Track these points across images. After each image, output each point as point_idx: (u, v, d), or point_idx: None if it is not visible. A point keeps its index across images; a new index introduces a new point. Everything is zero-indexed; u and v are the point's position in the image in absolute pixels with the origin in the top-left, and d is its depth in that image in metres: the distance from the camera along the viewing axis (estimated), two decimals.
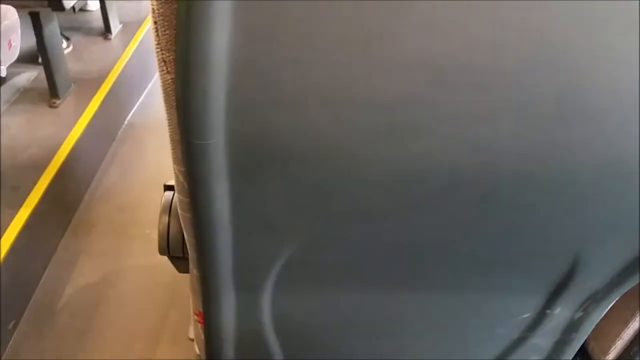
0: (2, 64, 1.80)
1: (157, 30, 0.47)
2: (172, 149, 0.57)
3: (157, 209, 2.19)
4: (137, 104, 2.91)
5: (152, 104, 2.92)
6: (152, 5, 0.46)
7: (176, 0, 0.44)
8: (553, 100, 0.50)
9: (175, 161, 0.58)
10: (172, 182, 0.85)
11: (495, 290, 0.76)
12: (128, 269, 2.03)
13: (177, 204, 0.64)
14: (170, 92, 0.50)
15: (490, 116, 0.51)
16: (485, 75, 0.48)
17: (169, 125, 0.55)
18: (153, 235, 2.13)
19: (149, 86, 3.04)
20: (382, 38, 0.45)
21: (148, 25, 3.13)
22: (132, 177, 2.45)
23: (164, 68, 0.49)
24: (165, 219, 0.84)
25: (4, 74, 1.80)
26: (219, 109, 0.49)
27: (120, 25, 3.07)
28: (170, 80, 0.49)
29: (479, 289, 0.76)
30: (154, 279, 1.96)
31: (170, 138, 0.56)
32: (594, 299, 0.77)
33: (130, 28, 3.08)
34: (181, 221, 0.66)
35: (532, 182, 0.58)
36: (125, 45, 2.92)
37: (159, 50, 0.48)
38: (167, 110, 0.53)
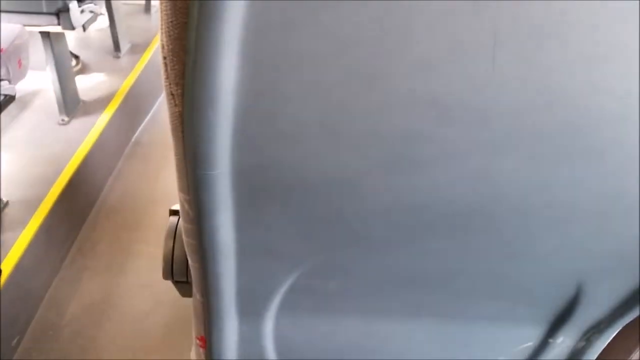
0: (12, 82, 1.82)
1: (166, 66, 0.48)
2: (178, 178, 0.58)
3: (162, 227, 2.19)
4: (145, 121, 2.94)
5: (159, 121, 2.95)
6: (162, 41, 0.48)
7: (185, 38, 0.45)
8: (554, 136, 0.50)
9: (180, 189, 0.59)
10: (177, 207, 0.86)
11: (498, 319, 0.77)
12: (132, 287, 2.04)
13: (182, 230, 0.65)
14: (178, 124, 0.51)
15: (492, 151, 0.51)
16: (488, 112, 0.48)
17: (175, 155, 0.55)
18: (157, 253, 2.14)
19: (157, 104, 3.07)
20: (387, 76, 0.46)
21: (157, 44, 3.16)
22: (138, 194, 2.47)
23: (172, 101, 0.50)
24: (170, 243, 0.85)
25: (14, 92, 1.82)
26: (225, 141, 0.49)
27: (129, 45, 3.10)
28: (177, 113, 0.50)
29: (482, 317, 0.76)
30: (158, 297, 1.96)
31: (177, 167, 0.57)
32: (597, 329, 0.77)
33: (139, 47, 3.12)
34: (185, 247, 0.66)
35: (534, 215, 0.59)
36: (134, 63, 2.95)
37: (167, 84, 0.49)
38: (174, 141, 0.54)
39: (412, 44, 0.45)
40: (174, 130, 0.52)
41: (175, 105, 0.50)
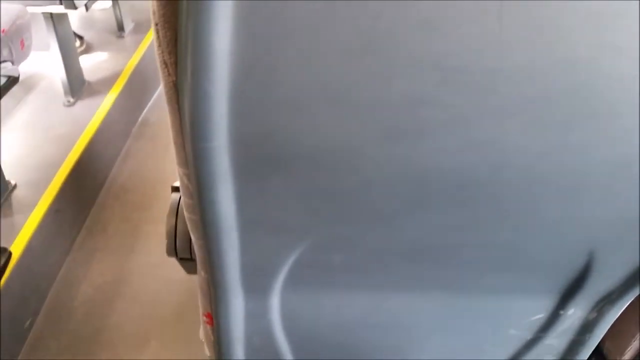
0: (15, 63, 1.81)
1: (158, 32, 0.47)
2: (176, 152, 0.56)
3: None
4: (151, 101, 2.93)
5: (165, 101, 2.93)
6: (153, 6, 0.46)
7: (177, 1, 0.43)
8: (563, 99, 0.48)
9: (179, 164, 0.57)
10: (178, 183, 0.85)
11: (508, 291, 0.75)
12: (143, 266, 2.04)
13: (183, 206, 0.64)
14: (172, 95, 0.50)
15: (499, 116, 0.50)
16: (493, 76, 0.46)
17: (171, 128, 0.54)
18: None
19: None
20: (387, 39, 0.44)
21: None
22: (146, 174, 2.46)
23: (166, 70, 0.48)
24: (172, 220, 0.84)
25: (17, 74, 1.81)
26: (221, 111, 0.48)
27: (133, 24, 3.08)
28: (172, 83, 0.49)
29: (492, 289, 0.75)
30: (169, 275, 1.96)
31: (174, 141, 0.55)
32: (609, 299, 0.75)
33: (143, 26, 3.10)
34: (187, 223, 0.65)
35: (544, 181, 0.57)
36: (138, 43, 2.93)
37: (160, 52, 0.48)
38: (169, 113, 0.52)
39: (414, 5, 0.43)
40: (169, 101, 0.51)
41: (169, 74, 0.48)
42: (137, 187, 2.39)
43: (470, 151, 0.52)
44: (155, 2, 0.45)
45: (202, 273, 0.71)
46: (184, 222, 0.81)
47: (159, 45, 0.47)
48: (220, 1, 0.41)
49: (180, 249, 0.84)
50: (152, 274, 2.01)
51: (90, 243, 2.13)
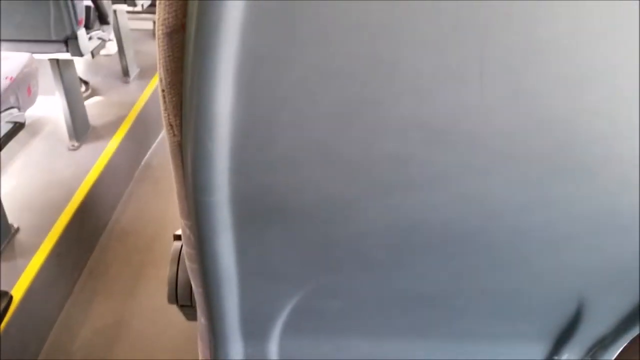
0: (22, 110, 1.85)
1: (164, 98, 0.50)
2: (179, 204, 0.59)
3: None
4: (154, 145, 2.97)
5: (168, 145, 2.97)
6: (160, 75, 0.49)
7: (182, 72, 0.46)
8: (544, 157, 0.51)
9: (182, 215, 0.60)
10: (180, 232, 0.87)
11: (502, 337, 0.77)
12: (143, 310, 2.04)
13: (185, 255, 0.66)
14: (177, 153, 0.53)
15: (483, 173, 0.52)
16: (477, 136, 0.49)
17: (175, 182, 0.57)
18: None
19: None
20: (377, 103, 0.47)
21: None
22: (148, 217, 2.48)
23: (171, 132, 0.52)
24: (174, 268, 0.86)
25: (24, 120, 1.85)
26: (223, 168, 0.51)
27: (138, 69, 3.14)
28: (176, 143, 0.52)
29: (484, 336, 0.76)
30: (169, 319, 1.96)
31: (177, 194, 0.58)
32: (601, 345, 0.77)
33: (148, 71, 3.16)
34: (189, 272, 0.68)
35: (530, 233, 0.59)
36: (143, 88, 2.99)
37: (166, 115, 0.51)
38: (174, 169, 0.55)
39: (400, 73, 0.46)
40: (173, 158, 0.54)
41: (174, 135, 0.51)
42: (139, 230, 2.41)
43: (456, 204, 0.55)
44: (162, 70, 0.49)
45: (202, 320, 0.73)
46: (185, 271, 0.83)
47: (165, 109, 0.51)
48: (222, 71, 0.45)
49: (181, 297, 0.86)
50: (152, 318, 2.01)
51: (91, 286, 2.13)
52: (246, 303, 0.67)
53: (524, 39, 0.44)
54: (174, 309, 1.90)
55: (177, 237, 0.89)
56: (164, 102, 0.50)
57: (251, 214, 0.56)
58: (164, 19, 0.46)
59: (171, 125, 0.51)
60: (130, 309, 2.05)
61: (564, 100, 0.48)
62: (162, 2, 0.46)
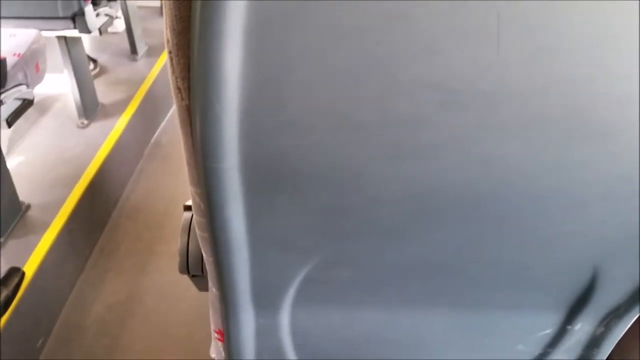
0: (30, 86, 1.85)
1: (171, 60, 0.49)
2: (189, 172, 0.58)
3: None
4: (163, 122, 2.97)
5: (177, 122, 2.97)
6: (167, 36, 0.48)
7: (189, 32, 0.45)
8: (562, 119, 0.50)
9: (191, 183, 0.59)
10: (190, 202, 0.87)
11: (515, 307, 0.76)
12: (155, 286, 2.06)
13: (195, 224, 0.66)
14: (185, 118, 0.52)
15: (499, 135, 0.51)
16: (493, 96, 0.48)
17: (185, 150, 0.56)
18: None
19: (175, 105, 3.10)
20: (389, 63, 0.46)
21: None
22: (158, 194, 2.49)
23: (179, 95, 0.51)
24: (185, 238, 0.86)
25: (32, 97, 1.85)
26: (232, 133, 0.50)
27: (146, 47, 3.13)
28: (185, 107, 0.51)
29: (498, 305, 0.76)
30: (180, 294, 1.98)
31: (187, 161, 0.57)
32: (616, 314, 0.76)
33: (156, 49, 3.15)
34: (199, 241, 0.67)
35: (545, 198, 0.58)
36: (151, 66, 2.98)
37: (173, 78, 0.50)
38: (182, 135, 0.55)
39: (415, 31, 0.45)
40: (182, 124, 0.53)
41: (182, 99, 0.50)
42: (150, 207, 2.42)
43: (471, 169, 0.54)
44: (169, 32, 0.47)
45: (214, 290, 0.73)
46: (196, 240, 0.83)
47: (173, 72, 0.50)
48: (230, 30, 0.43)
49: (192, 267, 0.86)
50: (164, 293, 2.02)
51: (102, 263, 2.15)
52: (257, 272, 0.67)
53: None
54: (185, 284, 1.91)
55: (188, 208, 0.88)
56: (172, 64, 0.49)
57: (261, 180, 0.56)
58: None
59: (179, 88, 0.50)
60: (142, 285, 2.06)
61: (582, 59, 0.46)
62: None
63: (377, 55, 0.46)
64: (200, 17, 0.43)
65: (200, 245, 0.68)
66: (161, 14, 3.55)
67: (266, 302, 0.72)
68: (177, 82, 0.50)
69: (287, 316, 0.75)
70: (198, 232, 0.66)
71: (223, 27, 0.43)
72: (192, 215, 0.85)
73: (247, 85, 0.47)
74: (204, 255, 0.69)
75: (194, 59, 0.46)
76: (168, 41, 0.48)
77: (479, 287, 0.72)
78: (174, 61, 0.49)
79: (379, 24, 0.44)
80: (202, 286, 0.88)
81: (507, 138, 0.51)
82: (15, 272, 1.71)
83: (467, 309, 0.76)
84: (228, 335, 0.76)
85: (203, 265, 0.84)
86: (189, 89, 0.49)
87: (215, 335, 0.82)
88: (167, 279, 2.07)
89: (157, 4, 3.56)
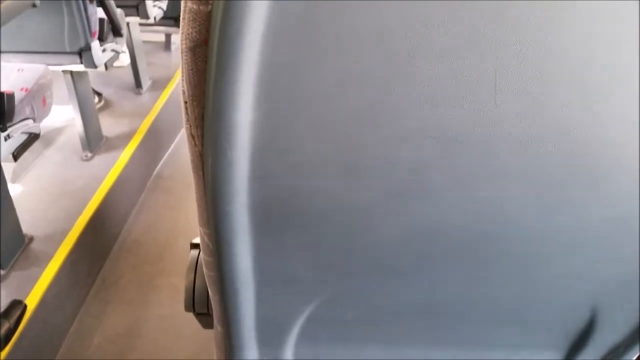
0: (37, 121, 1.88)
1: (187, 110, 0.52)
2: (199, 213, 0.60)
3: (183, 259, 2.20)
4: (166, 155, 2.99)
5: (179, 155, 3.00)
6: (183, 87, 0.51)
7: (204, 84, 0.48)
8: (558, 165, 0.52)
9: (201, 224, 0.61)
10: (197, 241, 0.88)
11: (516, 346, 0.77)
12: (155, 319, 2.06)
13: (203, 263, 0.67)
14: (198, 163, 0.54)
15: (498, 180, 0.53)
16: (492, 145, 0.50)
17: (196, 192, 0.58)
18: (179, 285, 2.16)
19: (177, 139, 3.13)
20: (395, 113, 0.49)
21: (177, 80, 3.23)
22: (159, 227, 2.50)
23: (193, 142, 0.53)
24: (191, 276, 0.87)
25: (38, 131, 1.87)
26: (242, 176, 0.52)
27: (150, 81, 3.17)
28: (198, 153, 0.53)
29: (500, 344, 0.77)
30: (180, 329, 1.98)
31: (197, 203, 0.59)
32: (616, 353, 0.77)
33: (160, 83, 3.19)
34: (206, 279, 0.69)
35: (545, 239, 0.60)
36: (155, 99, 3.02)
37: (188, 126, 0.52)
38: (195, 178, 0.57)
39: (416, 82, 0.47)
40: (194, 168, 0.55)
41: (196, 145, 0.53)
42: (150, 240, 2.43)
43: (471, 211, 0.56)
44: (185, 84, 0.50)
45: (219, 327, 0.74)
46: (202, 279, 0.84)
47: (187, 121, 0.52)
48: (243, 81, 0.46)
49: (198, 304, 0.88)
50: (164, 327, 2.02)
51: (103, 295, 2.15)
52: (262, 310, 0.68)
53: (537, 50, 0.46)
54: (185, 318, 1.90)
55: (195, 246, 0.90)
56: (187, 114, 0.52)
57: (269, 220, 0.57)
58: (188, 34, 0.48)
59: (193, 136, 0.53)
60: (142, 317, 2.06)
61: (575, 112, 0.49)
62: (187, 17, 0.47)
63: (381, 104, 0.48)
64: (215, 69, 0.46)
65: (207, 283, 0.69)
66: (166, 48, 3.62)
67: (270, 339, 0.74)
68: (191, 129, 0.52)
69: (291, 353, 0.76)
70: (205, 271, 0.67)
71: (236, 77, 0.46)
72: (199, 253, 0.87)
73: (258, 132, 0.49)
74: (210, 293, 0.71)
75: (208, 109, 0.48)
76: (184, 92, 0.51)
77: (481, 326, 0.73)
78: (189, 110, 0.51)
79: (382, 75, 0.47)
80: (207, 324, 0.89)
81: (505, 182, 0.54)
82: (17, 305, 1.71)
83: (469, 349, 0.77)
84: None
85: (209, 303, 0.86)
86: (202, 136, 0.51)
87: None
88: (167, 311, 2.07)
89: (162, 38, 3.62)
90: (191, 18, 0.47)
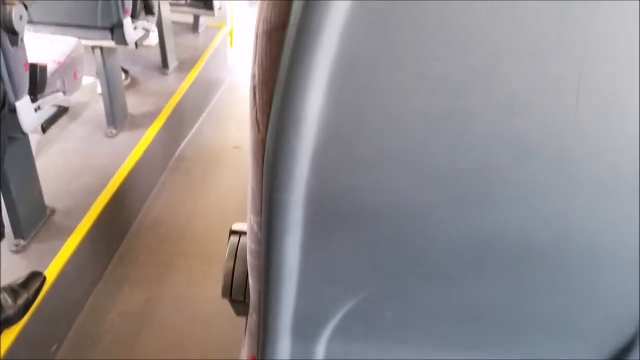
0: (67, 94, 1.88)
1: (255, 94, 0.51)
2: (252, 201, 0.59)
3: (201, 240, 2.21)
4: (188, 137, 3.00)
5: (201, 137, 3.01)
6: (254, 71, 0.50)
7: (277, 70, 0.47)
8: (632, 176, 0.51)
9: (252, 212, 0.60)
10: (238, 228, 0.88)
11: (558, 357, 0.76)
12: (171, 299, 2.07)
13: (247, 251, 0.66)
14: (259, 150, 0.53)
15: (566, 191, 0.52)
16: (566, 154, 0.49)
17: (252, 178, 0.57)
18: (196, 267, 2.17)
19: (200, 121, 3.14)
20: (469, 114, 0.47)
21: (203, 62, 3.23)
22: (179, 208, 2.51)
23: (257, 127, 0.52)
24: (231, 263, 0.87)
25: (68, 104, 1.87)
26: (303, 167, 0.51)
27: (177, 62, 3.17)
28: (260, 139, 0.52)
29: (538, 354, 0.76)
30: (195, 310, 1.99)
31: (252, 190, 0.58)
32: None
33: (186, 64, 3.18)
34: (249, 268, 0.68)
35: (602, 253, 0.59)
36: (181, 80, 3.02)
37: (254, 112, 0.51)
38: (252, 164, 0.56)
39: (495, 86, 0.46)
40: (254, 154, 0.54)
41: (259, 131, 0.52)
42: (170, 220, 2.44)
43: (535, 221, 0.55)
44: (257, 67, 0.49)
45: (254, 316, 0.73)
46: (241, 266, 0.84)
47: (254, 106, 0.51)
48: (317, 74, 0.45)
49: (235, 291, 0.87)
50: (179, 307, 2.03)
51: (120, 272, 2.16)
52: (301, 303, 0.67)
53: (624, 53, 0.44)
54: (200, 300, 1.91)
55: (234, 232, 0.89)
56: (254, 98, 0.51)
57: (323, 214, 0.57)
58: (266, 17, 0.47)
59: (257, 121, 0.52)
60: (158, 296, 2.07)
61: None
62: (267, 0, 0.46)
63: (456, 106, 0.47)
64: (290, 56, 0.45)
65: (249, 271, 0.68)
66: (193, 30, 3.61)
67: (305, 333, 0.73)
68: (256, 115, 0.51)
69: (322, 349, 0.75)
70: (249, 259, 0.67)
71: (311, 68, 0.45)
72: (239, 240, 0.86)
73: (325, 124, 0.48)
74: (250, 281, 0.70)
75: (277, 96, 0.47)
76: (254, 76, 0.50)
77: (520, 336, 0.72)
78: (257, 95, 0.50)
79: (460, 76, 0.46)
80: (241, 311, 0.89)
81: (573, 195, 0.52)
82: (37, 276, 1.72)
83: (503, 355, 0.76)
84: None
85: (246, 291, 0.85)
86: (267, 123, 0.50)
87: None
88: (183, 292, 2.08)
89: (190, 19, 3.61)
90: (271, 1, 0.46)
